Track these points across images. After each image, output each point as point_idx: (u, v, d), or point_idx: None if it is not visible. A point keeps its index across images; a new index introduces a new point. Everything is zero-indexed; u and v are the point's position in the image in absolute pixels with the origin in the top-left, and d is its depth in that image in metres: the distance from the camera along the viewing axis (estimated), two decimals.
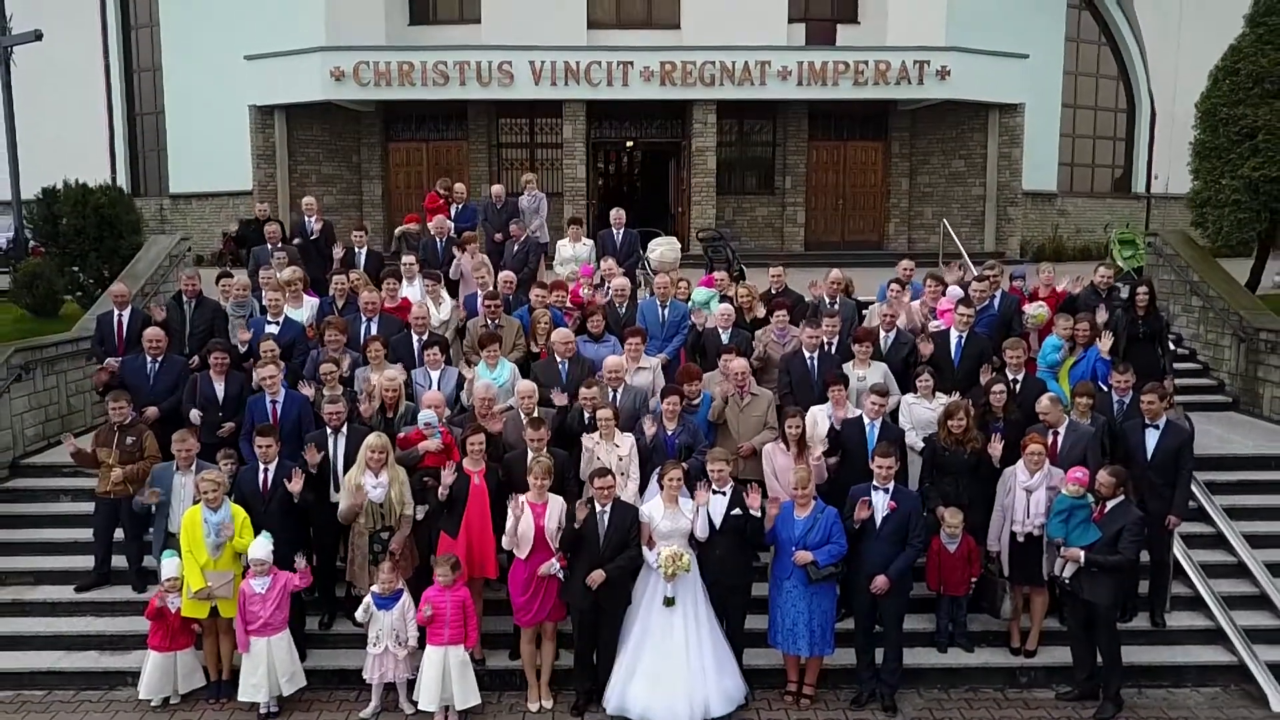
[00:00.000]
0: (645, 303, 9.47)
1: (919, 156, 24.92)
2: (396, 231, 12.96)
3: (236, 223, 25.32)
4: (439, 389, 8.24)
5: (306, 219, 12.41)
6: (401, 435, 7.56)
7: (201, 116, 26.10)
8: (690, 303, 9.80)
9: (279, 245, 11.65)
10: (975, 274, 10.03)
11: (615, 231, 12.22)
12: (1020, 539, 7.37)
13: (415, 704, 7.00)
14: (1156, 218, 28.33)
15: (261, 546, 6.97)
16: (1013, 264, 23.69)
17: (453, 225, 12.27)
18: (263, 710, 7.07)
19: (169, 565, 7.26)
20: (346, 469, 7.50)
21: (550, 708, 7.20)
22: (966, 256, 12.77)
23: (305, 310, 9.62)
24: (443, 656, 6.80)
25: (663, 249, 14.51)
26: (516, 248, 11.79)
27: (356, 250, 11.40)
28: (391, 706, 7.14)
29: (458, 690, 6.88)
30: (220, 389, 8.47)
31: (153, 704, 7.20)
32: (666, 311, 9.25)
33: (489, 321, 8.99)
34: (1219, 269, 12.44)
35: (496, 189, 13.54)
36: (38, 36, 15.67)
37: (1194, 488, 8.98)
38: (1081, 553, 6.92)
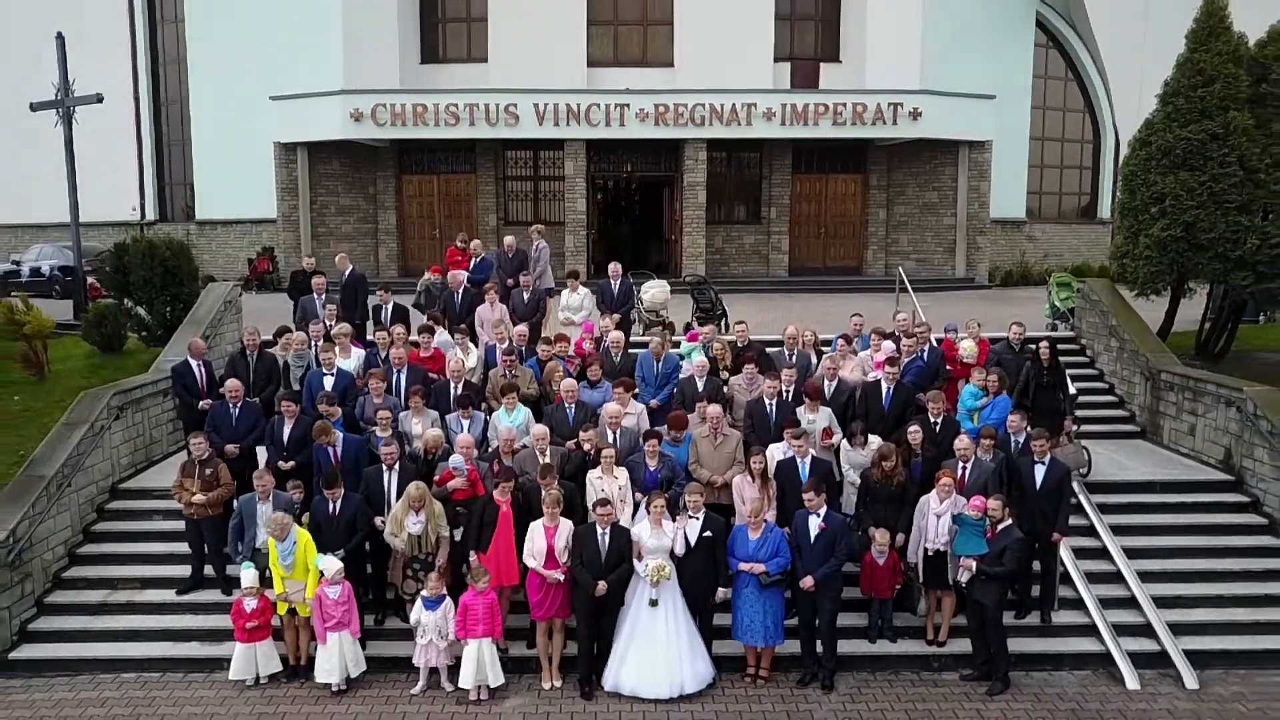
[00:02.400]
0: (643, 355, 11.34)
1: (895, 189, 26.86)
2: (420, 284, 14.78)
3: (259, 249, 27.30)
4: (468, 432, 10.15)
5: (344, 271, 14.36)
6: (437, 478, 9.48)
7: (226, 149, 27.94)
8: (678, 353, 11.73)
9: (322, 294, 13.59)
10: (904, 324, 11.96)
11: (613, 282, 14.15)
12: (931, 553, 9.29)
13: (454, 684, 8.92)
14: None
15: (331, 564, 8.86)
16: (983, 289, 25.77)
17: (465, 276, 14.12)
18: (334, 689, 8.97)
19: (247, 575, 9.18)
20: (398, 498, 9.40)
21: (560, 686, 9.09)
22: (918, 305, 14.67)
23: (354, 360, 11.52)
24: (478, 647, 8.73)
25: (654, 291, 16.53)
26: (527, 296, 13.70)
27: (383, 307, 13.25)
28: (435, 686, 9.05)
29: (490, 673, 8.82)
30: (286, 431, 10.38)
31: (247, 683, 9.11)
32: (660, 364, 11.17)
33: (506, 373, 10.92)
34: (1133, 316, 14.39)
35: (509, 240, 15.46)
36: (99, 99, 17.56)
37: (1087, 507, 10.99)
38: (974, 562, 8.86)
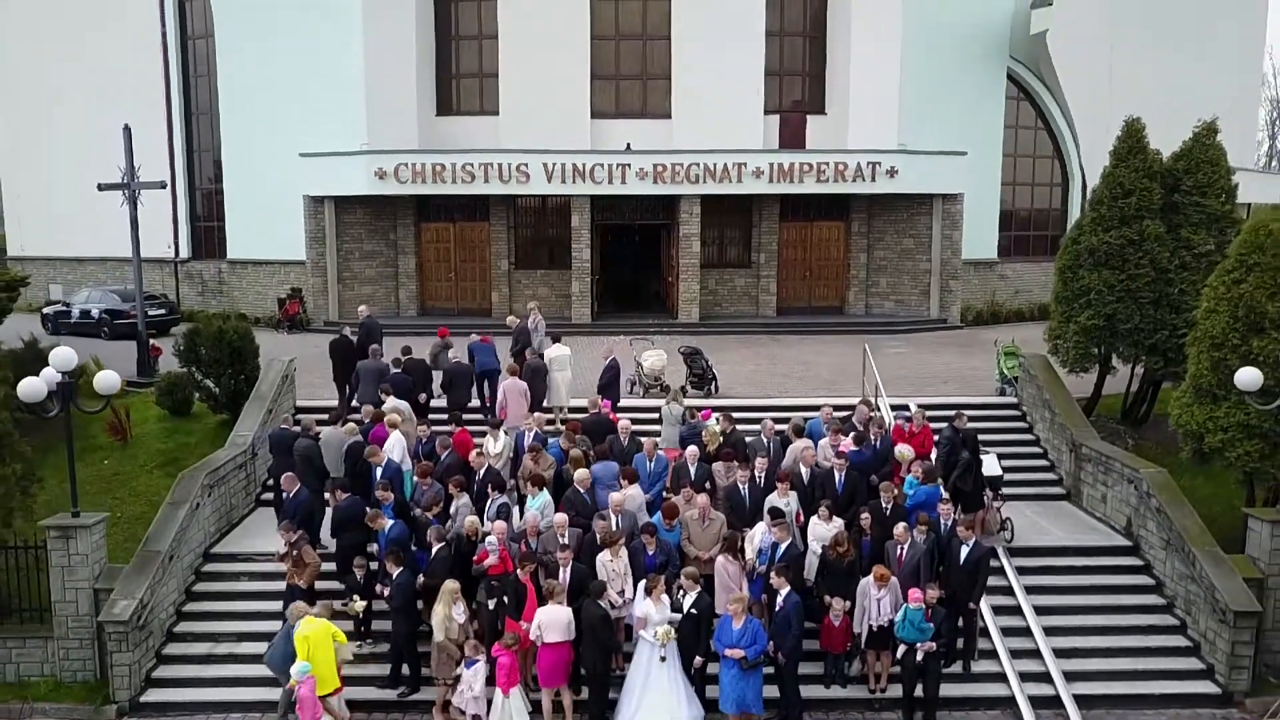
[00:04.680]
0: (638, 457, 13.58)
1: (875, 235, 29.18)
2: (431, 349, 17.11)
3: (289, 290, 29.46)
4: (487, 513, 12.50)
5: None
6: (476, 556, 11.85)
7: (254, 194, 30.18)
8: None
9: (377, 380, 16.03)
10: (863, 415, 14.36)
11: (604, 361, 16.64)
12: (875, 628, 11.66)
13: None
14: None
15: (297, 669, 10.65)
16: (955, 329, 28.04)
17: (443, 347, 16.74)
18: None
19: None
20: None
21: None
22: (882, 386, 17.05)
23: (397, 446, 13.78)
24: (520, 691, 11.13)
25: (652, 359, 18.93)
26: (529, 372, 16.19)
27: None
28: None
29: (528, 702, 11.27)
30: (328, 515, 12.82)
31: None
32: (651, 464, 13.50)
33: (533, 462, 13.28)
34: (1062, 391, 16.71)
35: (511, 319, 18.03)
36: (162, 185, 19.81)
37: (1008, 570, 13.38)
38: (933, 644, 11.23)
